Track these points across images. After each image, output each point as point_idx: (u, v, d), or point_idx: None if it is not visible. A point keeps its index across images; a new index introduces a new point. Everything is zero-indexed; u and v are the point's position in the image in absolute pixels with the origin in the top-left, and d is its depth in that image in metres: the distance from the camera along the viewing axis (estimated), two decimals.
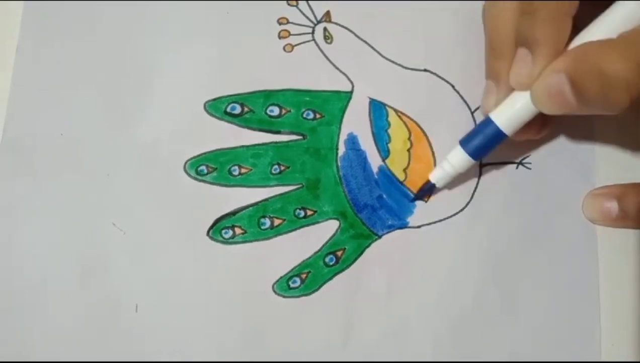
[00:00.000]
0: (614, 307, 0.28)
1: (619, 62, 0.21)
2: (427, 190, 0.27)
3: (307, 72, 0.28)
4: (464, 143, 0.26)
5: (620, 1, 0.22)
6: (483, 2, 0.27)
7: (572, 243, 0.28)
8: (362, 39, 0.29)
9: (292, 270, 0.27)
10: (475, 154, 0.26)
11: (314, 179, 0.28)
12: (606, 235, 0.28)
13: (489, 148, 0.26)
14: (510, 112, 0.25)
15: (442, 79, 0.29)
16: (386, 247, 0.27)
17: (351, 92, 0.29)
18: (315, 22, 0.29)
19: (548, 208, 0.28)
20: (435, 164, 0.28)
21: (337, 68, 0.29)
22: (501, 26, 0.25)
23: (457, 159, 0.26)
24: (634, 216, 0.28)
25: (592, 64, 0.22)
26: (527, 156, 0.29)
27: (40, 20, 0.28)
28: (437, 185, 0.27)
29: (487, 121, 0.25)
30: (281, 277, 0.27)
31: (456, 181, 0.28)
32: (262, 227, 0.27)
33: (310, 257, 0.27)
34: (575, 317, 0.27)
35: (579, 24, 0.23)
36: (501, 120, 0.25)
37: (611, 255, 0.28)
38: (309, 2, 0.29)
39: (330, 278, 0.27)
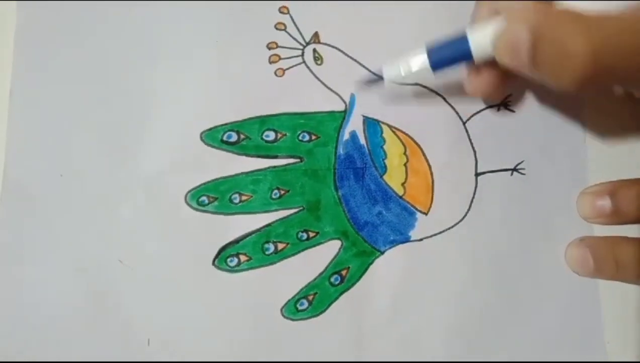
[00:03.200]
0: (613, 306, 0.28)
1: (582, 43, 0.21)
2: (374, 81, 0.27)
3: (299, 94, 0.29)
4: (431, 52, 0.25)
5: None
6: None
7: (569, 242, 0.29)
8: (352, 58, 0.29)
9: (299, 292, 0.27)
10: (437, 65, 0.25)
11: (314, 201, 0.28)
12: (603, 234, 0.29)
13: (450, 63, 0.25)
14: (487, 39, 0.24)
15: (433, 91, 0.29)
16: (390, 262, 0.28)
17: (345, 111, 0.29)
18: (305, 44, 0.29)
19: (545, 211, 0.29)
20: (432, 176, 0.29)
21: (329, 88, 0.29)
22: None
23: (417, 63, 0.25)
24: (627, 210, 0.28)
25: (558, 33, 0.21)
26: (521, 162, 0.29)
27: (32, 60, 0.28)
28: (385, 80, 0.27)
29: (462, 38, 0.24)
30: (289, 300, 0.27)
31: (451, 189, 0.28)
32: (267, 252, 0.27)
33: (315, 278, 0.28)
34: (578, 318, 0.28)
35: None
36: (475, 42, 0.24)
37: None
38: (297, 25, 0.29)
39: (337, 298, 0.27)
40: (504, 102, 0.29)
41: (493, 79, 0.26)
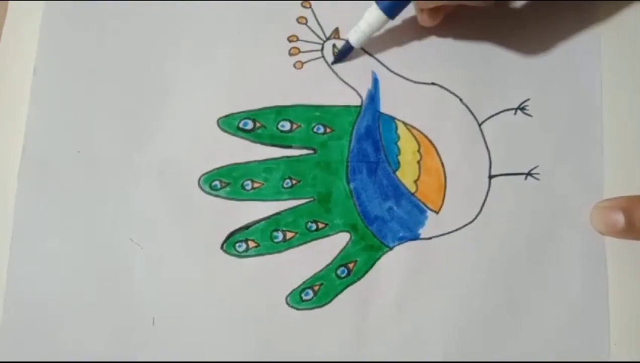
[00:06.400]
0: (622, 313, 0.28)
1: None
2: (346, 52, 0.29)
3: (316, 88, 0.29)
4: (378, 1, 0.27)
5: None
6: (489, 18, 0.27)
7: (580, 252, 0.28)
8: (370, 54, 0.30)
9: (305, 282, 0.27)
10: (389, 10, 0.27)
11: (325, 192, 0.28)
12: (615, 244, 0.28)
13: (400, 5, 0.27)
14: None
15: (450, 92, 0.29)
16: (397, 258, 0.28)
17: (360, 106, 0.29)
18: (324, 39, 0.30)
19: (557, 217, 0.29)
20: (445, 176, 0.29)
21: (347, 83, 0.29)
22: None
23: (373, 16, 0.27)
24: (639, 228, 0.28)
25: None
26: (536, 167, 0.29)
27: (56, 41, 0.29)
28: (354, 45, 0.28)
29: None
30: (294, 290, 0.27)
31: (464, 190, 0.28)
32: (275, 240, 0.28)
33: (322, 269, 0.28)
34: (585, 326, 0.28)
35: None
36: None
37: (620, 263, 0.28)
38: (318, 19, 0.30)
39: (342, 290, 0.27)
40: (520, 106, 0.29)
41: (432, 12, 0.28)
